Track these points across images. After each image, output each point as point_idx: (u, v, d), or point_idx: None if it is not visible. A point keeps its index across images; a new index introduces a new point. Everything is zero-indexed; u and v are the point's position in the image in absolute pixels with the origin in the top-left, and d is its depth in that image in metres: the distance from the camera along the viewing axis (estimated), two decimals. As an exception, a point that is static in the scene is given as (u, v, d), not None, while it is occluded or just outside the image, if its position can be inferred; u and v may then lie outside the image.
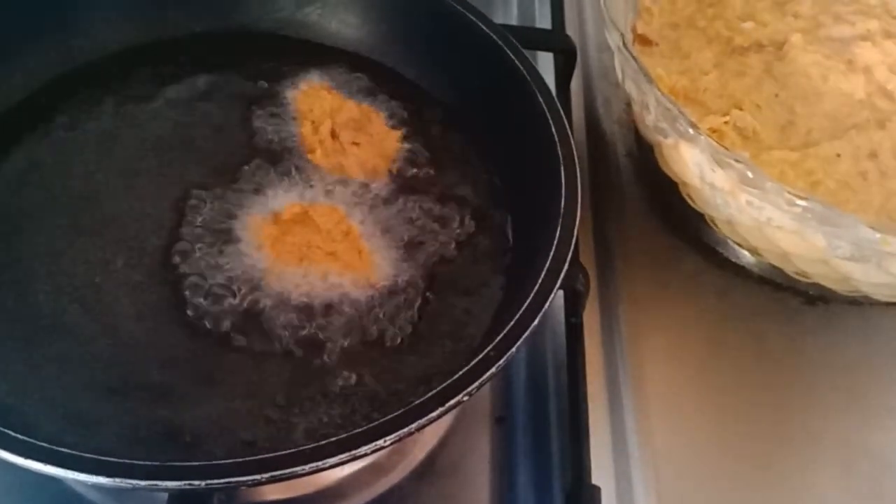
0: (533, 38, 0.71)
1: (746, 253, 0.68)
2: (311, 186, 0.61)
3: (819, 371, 0.66)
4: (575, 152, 0.57)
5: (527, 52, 0.64)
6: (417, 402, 0.47)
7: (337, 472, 0.57)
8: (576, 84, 0.76)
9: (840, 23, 0.72)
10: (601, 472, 0.58)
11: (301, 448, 0.45)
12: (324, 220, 0.58)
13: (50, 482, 0.54)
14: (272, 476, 0.44)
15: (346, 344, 0.55)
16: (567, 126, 0.59)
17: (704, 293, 0.69)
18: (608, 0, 0.63)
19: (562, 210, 0.55)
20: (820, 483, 0.61)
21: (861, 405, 0.65)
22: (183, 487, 0.43)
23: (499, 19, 0.68)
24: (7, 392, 0.52)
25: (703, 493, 0.60)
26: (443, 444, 0.60)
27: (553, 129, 0.58)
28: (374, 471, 0.58)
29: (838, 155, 0.64)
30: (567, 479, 0.57)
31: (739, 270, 0.69)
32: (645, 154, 0.74)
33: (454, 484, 0.59)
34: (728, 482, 0.60)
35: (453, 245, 0.60)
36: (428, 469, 0.59)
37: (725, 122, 0.65)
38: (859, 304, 0.67)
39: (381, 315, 0.56)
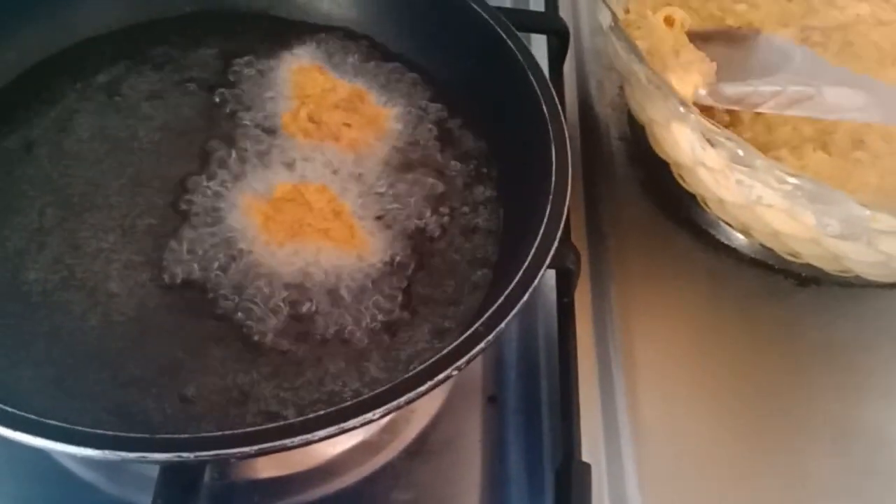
0: (526, 20, 0.71)
1: (738, 234, 0.69)
2: (303, 166, 0.61)
3: (810, 352, 0.66)
4: (566, 131, 0.57)
5: (520, 34, 0.64)
6: (406, 376, 0.47)
7: (329, 450, 0.57)
8: (569, 67, 0.76)
9: (830, 7, 0.72)
10: (591, 450, 0.58)
11: (290, 421, 0.45)
12: (315, 198, 0.58)
13: (40, 457, 0.54)
14: (261, 448, 0.44)
15: (337, 320, 0.55)
16: (558, 106, 0.59)
17: (696, 274, 0.69)
18: (600, -21, 0.63)
19: (552, 187, 0.55)
20: (811, 462, 0.61)
21: (852, 385, 0.65)
22: (172, 460, 0.44)
23: (493, 1, 0.68)
24: (-3, 367, 0.52)
25: (693, 472, 0.60)
26: (435, 422, 0.61)
27: (544, 109, 0.58)
28: (367, 449, 0.58)
29: (827, 153, 0.64)
30: (557, 456, 0.57)
31: (731, 252, 0.69)
32: (637, 137, 0.74)
33: (446, 462, 0.59)
34: (718, 461, 0.60)
35: (445, 223, 0.60)
36: (420, 447, 0.59)
37: None
38: (851, 285, 0.67)
39: (372, 292, 0.56)
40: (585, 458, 0.55)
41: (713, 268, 0.69)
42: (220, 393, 0.52)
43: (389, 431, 0.59)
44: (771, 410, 0.63)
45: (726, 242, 0.70)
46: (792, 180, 0.55)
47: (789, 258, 0.66)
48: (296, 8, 0.70)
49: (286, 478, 0.57)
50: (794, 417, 0.63)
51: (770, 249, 0.67)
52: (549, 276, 0.60)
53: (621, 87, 0.77)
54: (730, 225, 0.68)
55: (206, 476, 0.47)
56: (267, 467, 0.56)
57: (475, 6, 0.65)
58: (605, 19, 0.62)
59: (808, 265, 0.66)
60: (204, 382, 0.52)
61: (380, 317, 0.56)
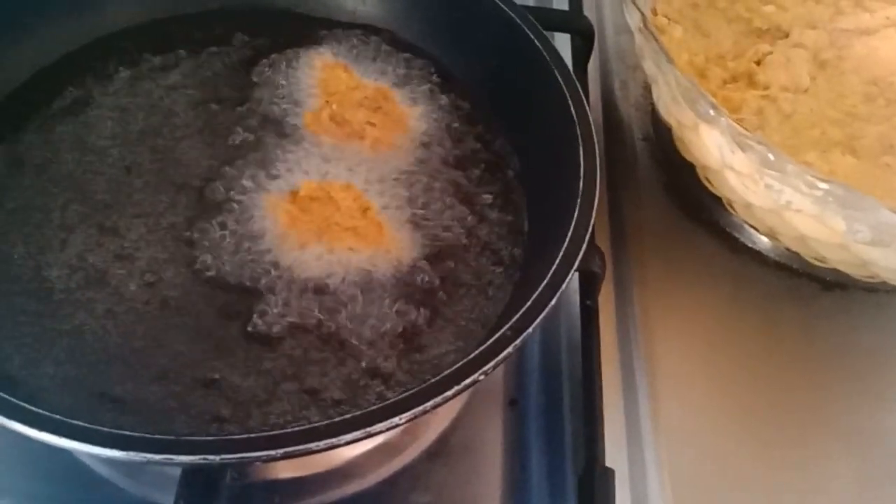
0: (550, 19, 0.71)
1: (763, 237, 0.68)
2: (328, 164, 0.61)
3: (833, 357, 0.65)
4: (594, 134, 0.57)
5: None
6: (433, 380, 0.47)
7: (349, 451, 0.57)
8: (592, 65, 0.75)
9: (860, 10, 0.71)
10: (614, 455, 0.58)
11: (316, 424, 0.44)
12: (341, 196, 0.58)
13: (60, 455, 0.54)
14: (286, 452, 0.43)
15: (362, 322, 0.55)
16: (587, 107, 0.58)
17: (719, 277, 0.68)
18: (629, -20, 0.62)
19: (580, 191, 0.54)
20: (832, 467, 0.60)
21: (874, 391, 0.64)
22: (197, 462, 0.43)
23: (517, -1, 0.68)
24: (20, 365, 0.51)
25: (716, 477, 0.59)
26: (455, 425, 0.60)
27: (572, 111, 0.57)
28: (387, 451, 0.58)
29: (855, 157, 0.63)
30: (580, 462, 0.57)
31: (756, 255, 0.69)
32: (661, 137, 0.73)
33: (466, 465, 0.59)
34: (741, 466, 0.60)
35: (469, 222, 0.60)
36: (440, 450, 0.59)
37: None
38: (876, 290, 0.67)
39: (398, 291, 0.56)
40: (608, 463, 0.54)
41: (736, 271, 0.68)
42: (242, 392, 0.52)
43: (409, 433, 0.59)
44: (793, 415, 0.63)
45: (750, 245, 0.69)
46: (823, 186, 0.54)
47: (815, 263, 0.65)
48: (321, 5, 0.69)
49: (306, 478, 0.56)
50: (816, 423, 0.63)
51: (795, 253, 0.66)
52: (572, 278, 0.59)
53: (645, 87, 0.77)
54: (755, 228, 0.67)
55: (227, 477, 0.46)
56: (287, 468, 0.56)
57: (502, 4, 0.65)
58: (634, 20, 0.61)
59: (834, 270, 0.65)
60: (227, 381, 0.52)
61: (405, 317, 0.55)
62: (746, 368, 0.64)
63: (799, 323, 0.67)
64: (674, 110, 0.62)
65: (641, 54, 0.63)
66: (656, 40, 0.58)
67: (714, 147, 0.59)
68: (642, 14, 0.60)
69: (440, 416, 0.59)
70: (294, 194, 0.58)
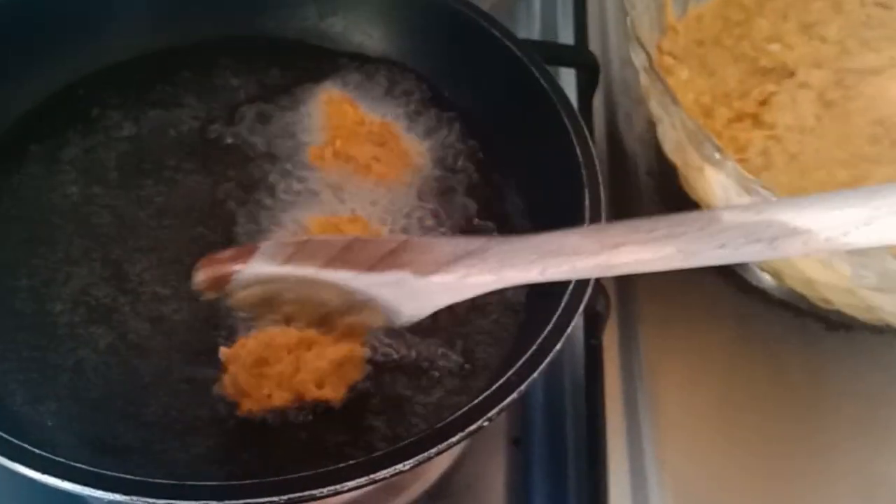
0: (555, 54, 0.71)
1: (768, 276, 0.68)
2: (333, 199, 0.60)
3: (838, 398, 0.65)
4: (599, 175, 0.56)
5: (549, 68, 0.63)
6: (438, 426, 0.46)
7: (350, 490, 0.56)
8: (597, 100, 0.76)
9: (866, 49, 0.71)
10: (618, 497, 0.57)
11: (320, 470, 0.44)
12: (350, 228, 0.57)
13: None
14: (290, 498, 0.43)
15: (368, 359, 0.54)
16: (592, 148, 0.57)
17: (724, 316, 0.68)
18: (635, 19, 0.62)
19: (586, 233, 0.54)
20: (836, 511, 0.60)
21: (879, 434, 0.64)
22: (200, 507, 0.43)
23: (521, 34, 0.68)
24: (23, 401, 0.51)
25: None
26: (457, 464, 0.60)
27: (578, 152, 0.57)
28: (388, 490, 0.58)
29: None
30: (583, 501, 0.57)
31: (760, 294, 0.69)
32: (666, 173, 0.73)
33: (468, 506, 0.59)
34: (744, 506, 0.60)
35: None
36: (442, 490, 0.59)
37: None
38: (881, 331, 0.66)
39: (400, 333, 0.56)
40: (612, 504, 0.54)
41: (741, 309, 0.68)
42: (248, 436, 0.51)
43: (411, 473, 0.58)
44: (797, 456, 0.63)
45: (755, 284, 0.69)
46: (828, 231, 0.54)
47: (820, 304, 0.65)
48: (328, 38, 0.69)
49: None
50: (821, 464, 0.63)
51: (800, 293, 0.66)
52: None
53: (650, 121, 0.76)
54: (760, 267, 0.67)
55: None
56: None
57: (506, 40, 0.64)
58: (640, 60, 0.61)
59: (839, 311, 0.65)
60: (229, 420, 0.51)
61: (407, 359, 0.55)
62: (751, 408, 0.64)
63: (803, 363, 0.67)
64: (679, 151, 0.62)
65: (647, 94, 0.63)
66: (662, 82, 0.58)
67: (720, 189, 0.59)
68: (648, 54, 0.60)
69: (442, 456, 0.58)
70: (303, 231, 0.58)
